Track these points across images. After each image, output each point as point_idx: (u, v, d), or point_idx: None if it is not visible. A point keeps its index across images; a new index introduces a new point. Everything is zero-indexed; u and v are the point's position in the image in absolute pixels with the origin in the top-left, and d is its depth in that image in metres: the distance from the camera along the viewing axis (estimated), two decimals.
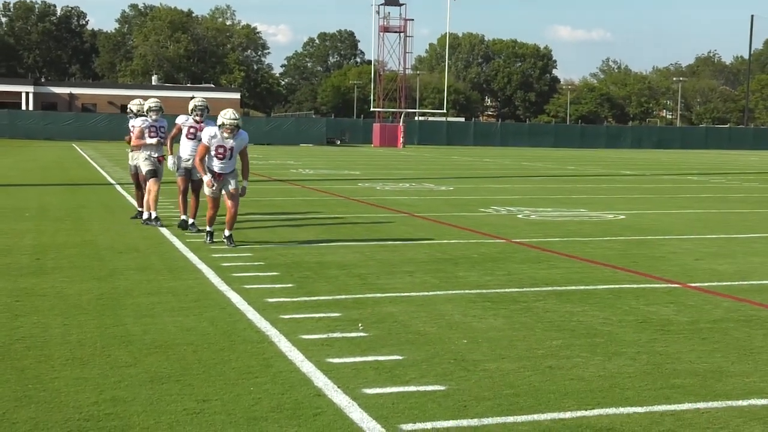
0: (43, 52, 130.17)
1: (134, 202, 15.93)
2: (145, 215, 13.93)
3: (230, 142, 11.46)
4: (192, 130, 13.27)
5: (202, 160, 11.55)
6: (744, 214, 17.74)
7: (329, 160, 43.17)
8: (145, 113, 14.14)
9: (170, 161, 13.52)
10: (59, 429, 4.80)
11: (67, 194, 19.87)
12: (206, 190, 11.85)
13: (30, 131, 68.27)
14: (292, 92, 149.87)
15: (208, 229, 12.02)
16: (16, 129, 68.44)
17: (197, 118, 13.24)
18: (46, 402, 5.23)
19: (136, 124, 14.07)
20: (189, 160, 13.23)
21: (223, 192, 11.72)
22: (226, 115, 11.44)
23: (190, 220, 13.24)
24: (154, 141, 13.83)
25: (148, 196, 13.88)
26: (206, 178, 11.55)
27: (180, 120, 13.37)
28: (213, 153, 11.53)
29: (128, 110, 14.98)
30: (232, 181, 11.63)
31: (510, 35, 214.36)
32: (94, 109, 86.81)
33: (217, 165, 11.56)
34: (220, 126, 11.44)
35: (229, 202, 11.60)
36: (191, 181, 13.40)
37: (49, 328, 7.07)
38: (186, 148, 13.31)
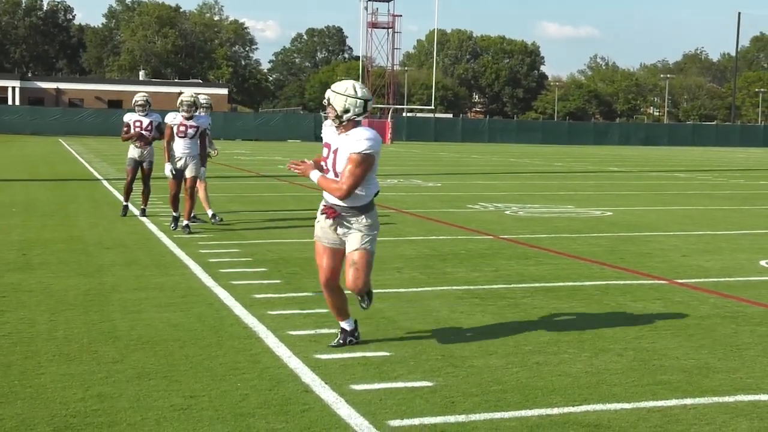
0: (29, 47, 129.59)
1: (120, 197, 15.81)
2: (211, 214, 13.70)
3: (336, 139, 6.41)
4: (182, 128, 12.73)
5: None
6: (730, 211, 17.80)
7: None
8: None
9: (167, 169, 12.76)
10: (45, 425, 4.78)
11: (54, 190, 19.81)
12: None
13: (16, 126, 68.00)
14: (280, 88, 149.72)
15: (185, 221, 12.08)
16: (2, 124, 68.13)
17: (185, 115, 12.72)
18: (33, 398, 5.21)
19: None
20: (181, 158, 12.73)
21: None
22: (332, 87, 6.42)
23: (184, 222, 12.62)
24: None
25: (201, 195, 13.72)
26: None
27: (169, 119, 12.82)
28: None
29: (134, 104, 14.48)
30: (353, 230, 6.57)
31: (498, 31, 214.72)
32: (81, 104, 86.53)
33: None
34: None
35: (349, 276, 6.42)
36: (185, 179, 12.79)
37: (36, 324, 7.05)
38: (178, 146, 12.74)
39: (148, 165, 14.49)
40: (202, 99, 14.03)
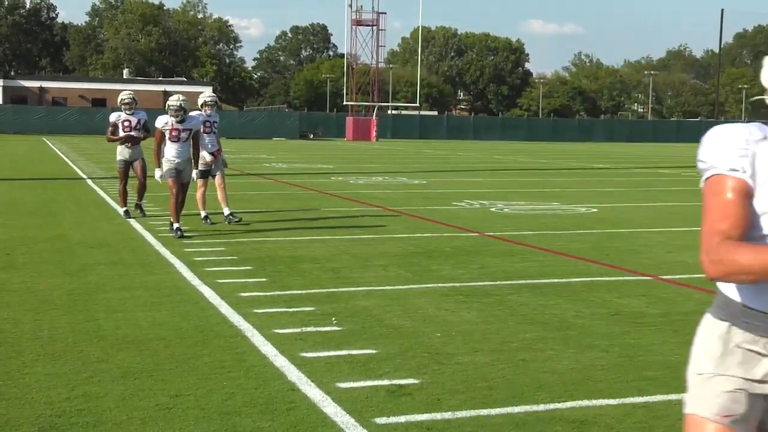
0: (12, 46, 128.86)
1: (107, 197, 15.80)
2: (204, 215, 13.41)
3: None
4: (174, 132, 12.27)
5: None
6: None
7: (302, 154, 43.08)
8: (200, 107, 13.50)
9: (157, 174, 12.34)
10: (30, 425, 4.75)
11: (37, 189, 19.71)
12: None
13: None
14: (264, 86, 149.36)
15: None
16: None
17: (175, 118, 12.23)
18: (17, 398, 5.19)
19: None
20: (174, 161, 12.23)
21: None
22: None
23: (175, 225, 12.07)
24: (206, 139, 13.32)
25: (197, 194, 13.49)
26: None
27: (159, 123, 12.28)
28: None
29: (120, 102, 14.15)
30: None
31: (482, 29, 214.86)
32: (64, 102, 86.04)
33: None
34: None
35: None
36: (181, 184, 12.30)
37: (20, 323, 7.01)
38: (170, 150, 12.26)
39: (141, 163, 14.23)
40: (207, 97, 13.80)
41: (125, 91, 14.64)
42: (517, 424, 4.90)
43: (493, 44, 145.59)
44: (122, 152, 14.18)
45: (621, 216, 15.73)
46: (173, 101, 12.42)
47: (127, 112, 14.18)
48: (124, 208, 14.16)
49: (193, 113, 12.86)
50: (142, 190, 14.32)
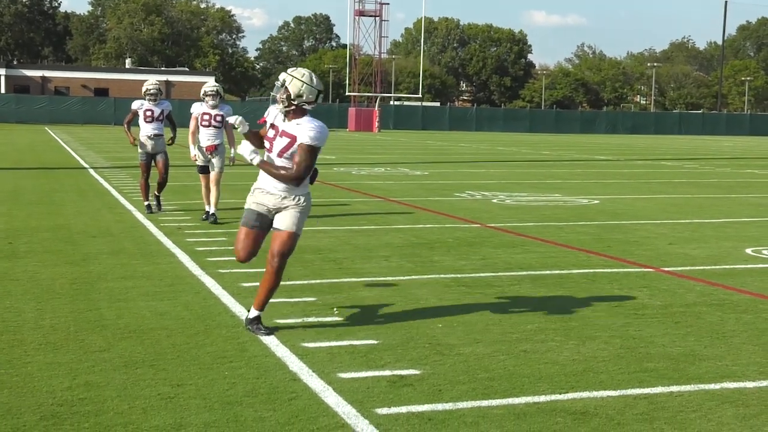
0: (15, 35, 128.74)
1: (109, 187, 15.77)
2: (211, 210, 12.72)
3: None
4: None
5: None
6: (717, 199, 17.86)
7: None
8: (201, 98, 12.98)
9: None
10: (32, 414, 4.76)
11: (40, 178, 19.72)
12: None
13: (1, 114, 67.66)
14: (267, 76, 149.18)
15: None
16: None
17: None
18: (19, 387, 5.20)
19: (199, 110, 12.85)
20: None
21: None
22: None
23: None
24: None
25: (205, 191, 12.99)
26: None
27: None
28: None
29: (145, 92, 13.63)
30: None
31: (485, 20, 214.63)
32: (67, 92, 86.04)
33: None
34: None
35: None
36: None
37: (22, 312, 7.02)
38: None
39: (163, 156, 13.62)
40: (208, 87, 12.99)
41: (151, 81, 14.03)
42: (518, 415, 4.90)
43: (495, 35, 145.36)
44: (144, 144, 13.57)
45: (623, 208, 15.73)
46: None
47: (152, 102, 13.55)
48: (147, 202, 13.67)
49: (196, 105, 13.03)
50: (162, 183, 13.72)
